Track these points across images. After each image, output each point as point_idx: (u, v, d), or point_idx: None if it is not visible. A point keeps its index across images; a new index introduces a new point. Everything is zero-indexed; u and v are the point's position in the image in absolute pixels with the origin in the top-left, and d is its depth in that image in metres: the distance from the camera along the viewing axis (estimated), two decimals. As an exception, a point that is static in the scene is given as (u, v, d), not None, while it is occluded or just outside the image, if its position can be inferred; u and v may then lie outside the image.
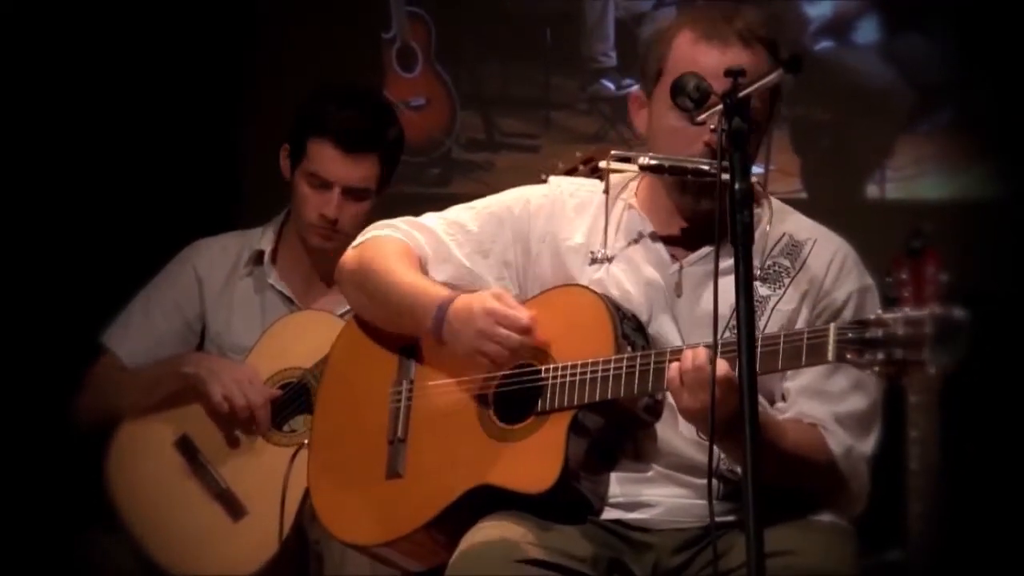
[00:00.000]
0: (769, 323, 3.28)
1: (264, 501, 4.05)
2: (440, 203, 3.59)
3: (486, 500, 3.29)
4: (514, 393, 3.32)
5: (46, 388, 4.57)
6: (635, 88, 3.47)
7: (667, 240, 3.40)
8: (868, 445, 3.31)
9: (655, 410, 3.29)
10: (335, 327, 3.81)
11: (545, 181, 3.61)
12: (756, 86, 3.00)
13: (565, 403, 3.26)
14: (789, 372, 3.28)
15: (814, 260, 3.35)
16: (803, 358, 3.04)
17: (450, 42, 5.82)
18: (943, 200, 5.47)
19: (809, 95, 5.41)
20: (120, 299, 4.41)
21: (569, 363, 3.27)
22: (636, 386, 3.21)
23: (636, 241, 3.41)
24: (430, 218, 3.54)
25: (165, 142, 5.33)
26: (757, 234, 3.24)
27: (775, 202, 3.42)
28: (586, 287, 3.35)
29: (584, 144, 5.21)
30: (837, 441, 3.28)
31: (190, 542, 4.14)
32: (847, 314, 3.27)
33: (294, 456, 3.94)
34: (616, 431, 3.31)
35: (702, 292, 3.32)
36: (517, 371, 3.32)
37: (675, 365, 3.13)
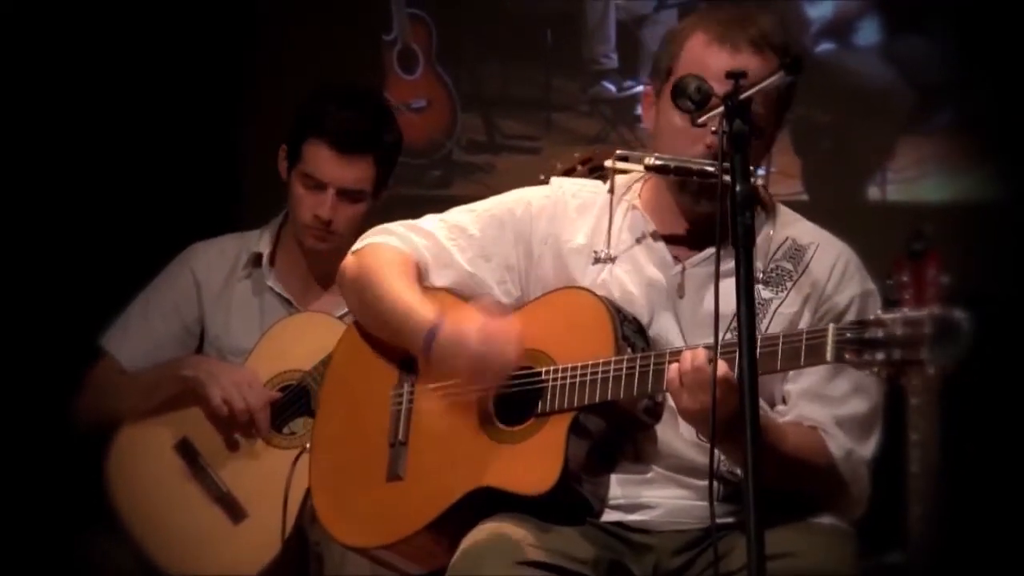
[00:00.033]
0: (771, 326, 3.28)
1: (264, 503, 4.05)
2: (441, 205, 3.59)
3: (486, 502, 3.29)
4: (514, 395, 3.32)
5: (46, 390, 4.57)
6: (648, 85, 3.47)
7: (670, 241, 3.40)
8: (868, 448, 3.31)
9: (655, 412, 3.29)
10: (334, 329, 3.81)
11: (544, 182, 3.61)
12: (757, 88, 3.01)
13: (565, 405, 3.26)
14: (790, 375, 3.29)
15: (816, 264, 3.35)
16: (802, 358, 3.05)
17: (451, 44, 5.82)
18: (944, 202, 5.47)
19: (810, 97, 5.37)
20: (120, 301, 4.41)
21: (569, 365, 3.27)
22: (636, 388, 3.22)
23: (639, 241, 3.41)
24: (431, 221, 3.53)
25: (165, 142, 5.33)
26: (760, 237, 3.26)
27: (780, 207, 3.44)
28: (587, 289, 3.35)
29: (585, 146, 5.20)
30: (837, 444, 3.28)
31: (190, 545, 4.14)
32: (849, 319, 3.26)
33: (296, 460, 3.93)
34: (616, 433, 3.32)
35: (704, 293, 3.32)
36: (517, 373, 3.31)
37: (675, 366, 3.14)
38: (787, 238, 3.39)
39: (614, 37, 5.74)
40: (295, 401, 4.19)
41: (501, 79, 5.84)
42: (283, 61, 5.68)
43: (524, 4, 5.82)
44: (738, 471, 3.23)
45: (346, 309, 3.89)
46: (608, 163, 3.44)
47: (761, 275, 3.31)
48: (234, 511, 4.15)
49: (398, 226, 3.54)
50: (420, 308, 3.37)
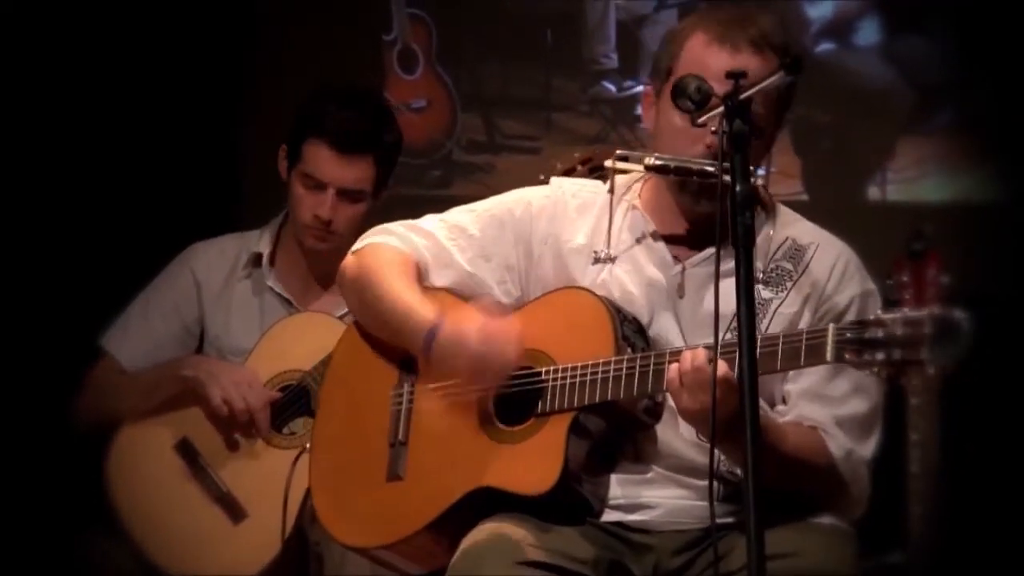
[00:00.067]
0: (771, 326, 3.28)
1: (264, 503, 4.05)
2: (441, 205, 3.59)
3: (486, 502, 3.29)
4: (514, 395, 3.32)
5: (46, 390, 4.57)
6: (648, 85, 3.47)
7: (670, 241, 3.40)
8: (868, 449, 3.31)
9: (655, 412, 3.29)
10: (334, 329, 3.81)
11: (544, 182, 3.60)
12: (757, 88, 3.01)
13: (565, 405, 3.26)
14: (790, 375, 3.29)
15: (816, 264, 3.35)
16: (802, 359, 3.05)
17: (451, 44, 5.82)
18: (944, 202, 5.47)
19: (810, 97, 5.38)
20: (120, 301, 4.41)
21: (569, 365, 3.27)
22: (636, 387, 3.21)
23: (639, 241, 3.41)
24: (431, 221, 3.53)
25: (165, 142, 5.33)
26: (760, 237, 3.26)
27: (780, 207, 3.44)
28: (587, 289, 3.35)
29: (585, 146, 5.20)
30: (837, 444, 3.28)
31: (190, 545, 4.14)
32: (849, 319, 3.26)
33: (296, 460, 3.93)
34: (616, 433, 3.31)
35: (704, 293, 3.32)
36: (517, 373, 3.31)
37: (675, 366, 3.14)
38: (787, 238, 3.39)
39: (614, 37, 5.74)
40: (295, 401, 4.19)
41: (501, 79, 5.84)
42: (283, 61, 5.68)
43: (524, 4, 5.82)
44: (738, 471, 3.23)
45: (346, 309, 3.89)
46: (608, 163, 3.45)
47: (761, 275, 3.31)
48: (234, 511, 4.15)
49: (398, 226, 3.54)
50: (420, 308, 3.37)
